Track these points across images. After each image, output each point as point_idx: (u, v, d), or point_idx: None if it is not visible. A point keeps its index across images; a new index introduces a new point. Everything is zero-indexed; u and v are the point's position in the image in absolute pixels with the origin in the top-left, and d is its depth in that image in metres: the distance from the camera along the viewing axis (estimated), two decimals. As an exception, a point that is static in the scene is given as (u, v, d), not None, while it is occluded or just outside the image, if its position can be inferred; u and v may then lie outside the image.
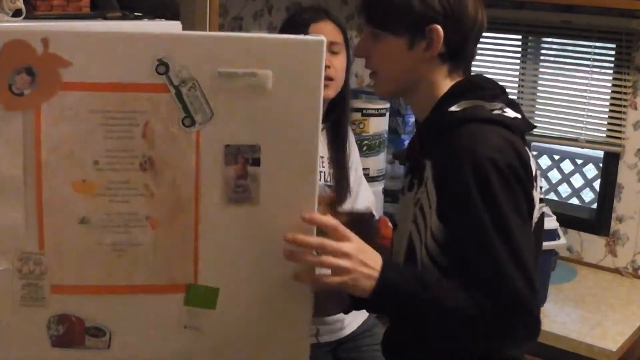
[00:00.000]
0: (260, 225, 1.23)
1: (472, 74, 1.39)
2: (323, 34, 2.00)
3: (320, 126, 1.21)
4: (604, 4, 2.66)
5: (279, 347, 1.31)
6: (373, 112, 2.73)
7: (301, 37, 1.22)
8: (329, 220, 1.22)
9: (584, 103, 2.96)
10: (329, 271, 1.22)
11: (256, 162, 1.21)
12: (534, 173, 1.29)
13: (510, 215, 1.20)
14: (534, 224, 1.30)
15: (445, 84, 1.33)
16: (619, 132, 2.86)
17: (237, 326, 1.28)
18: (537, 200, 1.30)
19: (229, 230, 1.23)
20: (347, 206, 2.14)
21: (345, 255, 1.20)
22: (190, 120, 1.20)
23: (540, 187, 1.34)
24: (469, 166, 1.20)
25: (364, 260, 1.20)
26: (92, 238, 1.22)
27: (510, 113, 1.31)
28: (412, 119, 3.01)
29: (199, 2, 1.87)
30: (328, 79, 2.01)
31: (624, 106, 2.83)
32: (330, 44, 2.01)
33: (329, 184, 2.11)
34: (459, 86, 1.33)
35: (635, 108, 2.82)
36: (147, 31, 1.37)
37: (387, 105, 2.91)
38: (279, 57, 1.18)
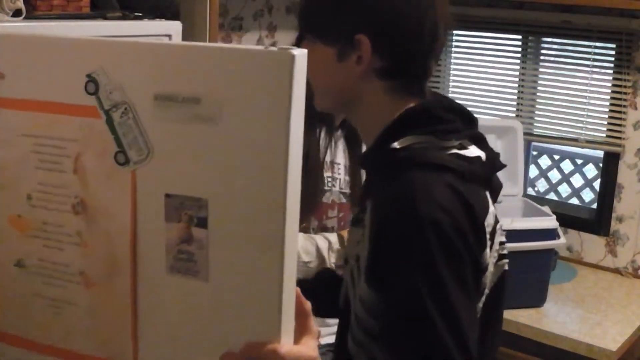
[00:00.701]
0: (209, 307, 0.92)
1: (434, 95, 1.20)
2: None
3: (291, 170, 0.87)
4: (604, 4, 2.66)
5: None
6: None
7: (263, 49, 0.84)
8: (289, 351, 0.87)
9: (584, 103, 2.96)
10: None
11: (203, 223, 0.89)
12: (490, 228, 1.12)
13: (452, 290, 1.02)
14: (486, 292, 1.13)
15: (390, 106, 1.14)
16: (619, 132, 2.86)
17: None
18: (489, 264, 1.12)
19: (172, 306, 0.95)
20: None
21: None
22: (123, 157, 0.92)
23: (501, 243, 1.18)
24: (406, 227, 1.03)
25: None
26: (29, 286, 1.02)
27: (471, 151, 1.13)
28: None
29: (199, 2, 1.87)
30: None
31: (624, 106, 2.83)
32: None
33: (344, 191, 2.09)
34: (408, 115, 1.13)
35: (635, 108, 2.82)
36: (80, 36, 1.08)
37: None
38: (232, 76, 0.85)
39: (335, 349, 1.30)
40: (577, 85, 2.98)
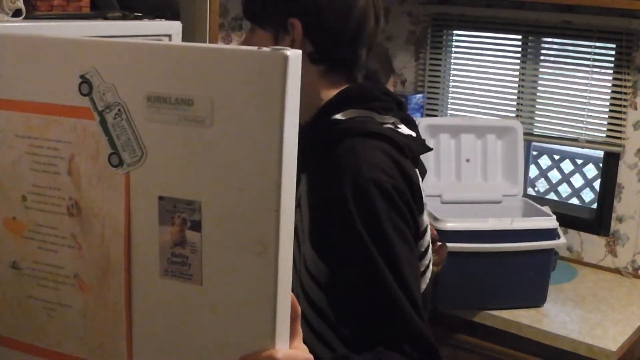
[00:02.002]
0: (203, 312, 0.91)
1: (365, 83, 1.26)
2: None
3: (285, 171, 0.85)
4: (604, 4, 2.66)
5: None
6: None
7: (256, 49, 0.83)
8: (284, 356, 0.85)
9: (584, 103, 2.96)
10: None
11: (196, 226, 0.88)
12: (423, 198, 1.18)
13: (396, 243, 1.08)
14: (421, 250, 1.19)
15: (324, 89, 1.20)
16: (619, 132, 2.86)
17: None
18: (426, 225, 1.19)
19: (166, 309, 0.93)
20: None
21: None
22: (117, 159, 0.91)
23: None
24: (349, 188, 1.07)
25: None
26: (23, 288, 1.02)
27: (403, 130, 1.20)
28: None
29: (199, 2, 1.87)
30: None
31: (624, 106, 2.83)
32: None
33: None
34: (347, 93, 1.20)
35: (635, 108, 2.82)
36: (73, 37, 1.07)
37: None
38: (225, 77, 0.84)
39: None
40: (577, 85, 2.98)
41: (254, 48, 0.82)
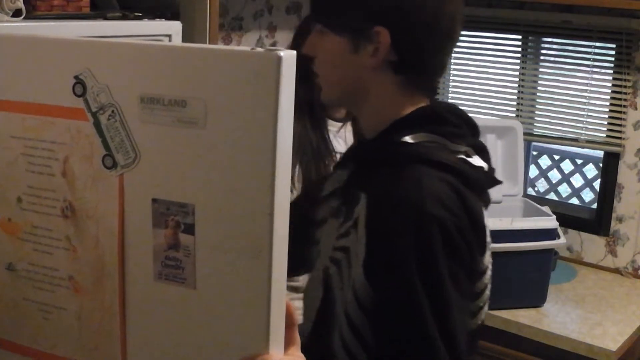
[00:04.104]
0: (197, 316, 0.90)
1: (440, 101, 1.20)
2: None
3: (279, 172, 0.83)
4: (604, 4, 2.66)
5: None
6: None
7: (250, 50, 0.81)
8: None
9: (584, 103, 2.96)
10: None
11: (189, 229, 0.87)
12: (487, 237, 1.12)
13: (448, 289, 1.03)
14: (478, 290, 1.13)
15: (399, 100, 1.13)
16: (619, 132, 2.86)
17: None
18: (487, 265, 1.12)
19: (160, 313, 0.93)
20: None
21: None
22: (111, 161, 0.90)
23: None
24: (410, 224, 1.01)
25: None
26: (19, 290, 1.01)
27: (475, 160, 1.12)
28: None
29: (199, 2, 1.87)
30: None
31: (624, 106, 2.83)
32: None
33: None
34: (419, 114, 1.12)
35: (635, 108, 2.82)
36: (68, 36, 1.05)
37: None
38: (217, 79, 0.82)
39: (309, 344, 1.25)
40: (577, 85, 2.98)
41: (247, 49, 0.81)
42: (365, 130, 1.17)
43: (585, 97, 2.96)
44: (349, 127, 2.15)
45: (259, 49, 0.80)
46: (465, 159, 1.10)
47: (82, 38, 0.98)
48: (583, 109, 2.96)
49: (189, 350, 0.93)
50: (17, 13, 1.57)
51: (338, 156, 2.11)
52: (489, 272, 1.13)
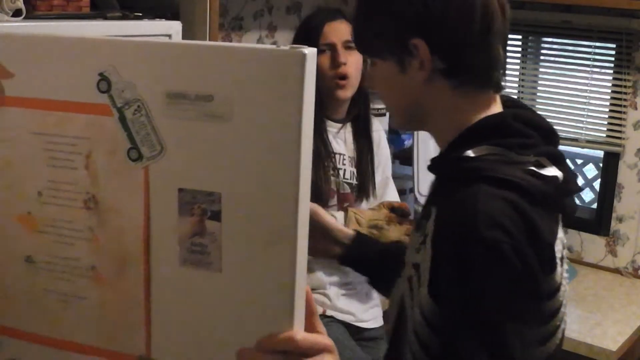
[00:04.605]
0: (222, 298, 0.95)
1: (515, 103, 1.15)
2: (339, 32, 2.01)
3: (303, 165, 0.89)
4: (604, 4, 2.66)
5: None
6: (373, 111, 2.72)
7: (276, 48, 0.88)
8: (295, 337, 0.89)
9: (584, 103, 2.96)
10: None
11: (216, 216, 0.92)
12: (560, 254, 1.06)
13: (506, 316, 0.99)
14: (550, 310, 1.08)
15: (464, 105, 1.10)
16: (619, 132, 2.86)
17: None
18: (558, 284, 1.07)
19: (185, 298, 0.97)
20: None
21: None
22: (136, 153, 0.94)
23: (566, 270, 1.12)
24: (461, 245, 0.98)
25: None
26: (38, 281, 1.04)
27: (548, 171, 1.05)
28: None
29: (199, 2, 1.87)
30: (343, 77, 2.01)
31: (624, 106, 2.83)
32: (347, 42, 2.03)
33: (349, 181, 2.12)
34: (484, 124, 1.08)
35: (635, 108, 2.82)
36: (91, 36, 1.09)
37: (387, 105, 2.91)
38: (245, 74, 0.88)
39: (388, 356, 1.26)
40: (577, 85, 2.98)
41: (273, 46, 0.86)
42: (438, 143, 1.15)
43: (585, 97, 2.96)
44: (348, 128, 2.15)
45: (284, 47, 0.85)
46: (534, 171, 1.04)
47: (106, 37, 1.01)
48: (583, 109, 2.96)
49: (213, 333, 0.96)
50: (17, 13, 1.58)
51: (337, 157, 2.11)
52: (563, 289, 1.08)
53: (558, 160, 1.08)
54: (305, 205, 0.88)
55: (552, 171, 1.05)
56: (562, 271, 1.07)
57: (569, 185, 1.09)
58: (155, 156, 0.93)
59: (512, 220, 0.98)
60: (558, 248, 1.06)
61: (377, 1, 1.12)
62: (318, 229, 1.33)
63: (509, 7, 1.10)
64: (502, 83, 1.11)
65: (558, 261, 1.05)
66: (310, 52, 0.84)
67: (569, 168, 1.11)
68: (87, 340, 1.03)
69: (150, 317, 0.99)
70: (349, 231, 1.38)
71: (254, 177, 0.89)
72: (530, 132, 1.07)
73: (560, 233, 1.09)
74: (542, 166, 1.05)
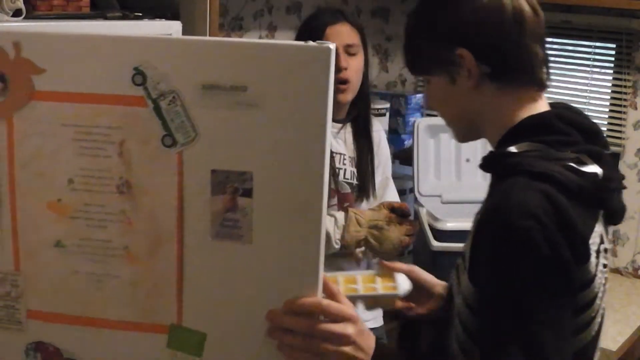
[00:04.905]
0: (252, 268, 1.04)
1: (558, 106, 1.19)
2: (340, 35, 2.01)
3: (331, 138, 1.04)
4: (604, 4, 2.67)
5: None
6: (373, 112, 2.73)
7: (304, 44, 0.99)
8: (322, 303, 1.03)
9: (584, 103, 2.96)
10: None
11: (247, 193, 1.01)
12: (596, 247, 1.09)
13: (535, 303, 1.02)
14: (585, 301, 1.09)
15: (510, 107, 1.15)
16: (619, 132, 2.86)
17: None
18: (593, 274, 1.08)
19: (216, 269, 1.06)
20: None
21: (345, 339, 1.04)
22: (170, 140, 1.03)
23: (604, 265, 1.12)
24: (493, 233, 1.03)
25: (362, 346, 1.06)
26: (67, 264, 1.10)
27: (588, 167, 1.10)
28: (412, 119, 3.00)
29: (199, 2, 1.87)
30: (344, 82, 2.02)
31: (624, 106, 2.84)
32: (348, 46, 2.03)
33: (349, 181, 2.12)
34: (526, 123, 1.14)
35: (635, 108, 2.82)
36: (125, 34, 1.20)
37: (387, 105, 2.91)
38: (276, 67, 0.98)
39: (435, 344, 1.30)
40: (577, 85, 2.98)
41: (302, 42, 0.98)
42: (491, 144, 1.21)
43: (585, 97, 2.96)
44: (348, 128, 2.15)
45: (312, 43, 0.98)
46: (572, 166, 1.08)
47: (140, 35, 1.14)
48: (583, 109, 2.96)
49: (242, 300, 1.06)
50: (17, 13, 1.58)
51: (338, 157, 2.11)
52: (599, 280, 1.10)
53: (600, 158, 1.12)
54: (327, 178, 1.00)
55: (592, 168, 1.09)
56: (597, 263, 1.09)
57: (609, 183, 1.13)
58: (189, 142, 1.03)
59: (545, 210, 1.02)
60: (594, 241, 1.09)
61: (419, 25, 1.20)
62: None
63: (540, 8, 1.16)
64: (547, 81, 1.17)
65: (593, 252, 1.07)
66: (333, 46, 0.97)
67: (615, 168, 1.15)
68: (118, 316, 1.11)
69: (182, 289, 1.07)
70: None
71: (283, 156, 1.00)
72: (571, 131, 1.13)
73: (599, 227, 1.12)
74: (583, 163, 1.10)
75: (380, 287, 1.34)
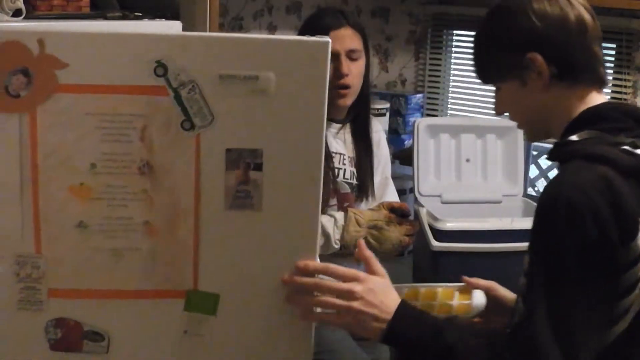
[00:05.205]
0: (262, 232, 1.21)
1: (612, 102, 1.28)
2: (343, 41, 2.01)
3: (325, 129, 1.19)
4: (604, 4, 2.66)
5: (280, 356, 1.29)
6: (373, 112, 2.73)
7: (305, 38, 1.17)
8: (329, 266, 1.20)
9: (584, 103, 2.96)
10: None
11: (258, 167, 1.19)
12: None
13: (571, 279, 1.08)
14: (633, 280, 1.11)
15: (574, 103, 1.24)
16: (619, 132, 2.86)
17: (238, 333, 1.26)
18: (638, 258, 1.11)
19: (229, 236, 1.22)
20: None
21: (351, 295, 1.17)
22: (189, 124, 1.17)
23: None
24: (543, 204, 1.11)
25: (373, 302, 1.16)
26: (89, 242, 1.21)
27: None
28: (412, 119, 3.01)
29: (199, 2, 1.87)
30: (345, 87, 2.02)
31: (624, 106, 2.83)
32: (350, 52, 2.03)
33: (349, 181, 2.12)
34: (584, 115, 1.23)
35: (636, 108, 2.82)
36: (146, 32, 1.37)
37: (387, 105, 2.91)
38: (282, 59, 1.16)
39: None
40: (577, 85, 2.97)
41: (304, 37, 1.17)
42: (555, 138, 1.29)
43: (585, 97, 2.95)
44: (348, 129, 2.15)
45: (312, 38, 1.16)
46: (627, 149, 1.16)
47: (161, 33, 1.30)
48: (583, 109, 2.96)
49: (253, 263, 1.23)
50: (17, 13, 1.58)
51: (337, 157, 2.12)
52: None
53: None
54: (323, 155, 1.19)
55: None
56: None
57: None
58: (207, 125, 1.18)
59: (597, 189, 1.08)
60: None
61: (490, 35, 1.31)
62: None
63: (594, 13, 1.27)
64: (605, 79, 1.27)
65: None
66: (329, 39, 1.15)
67: None
68: (138, 286, 1.23)
69: (198, 256, 1.22)
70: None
71: (289, 135, 1.18)
72: (626, 119, 1.21)
73: None
74: (637, 147, 1.17)
75: (456, 304, 1.37)
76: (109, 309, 1.24)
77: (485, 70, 1.34)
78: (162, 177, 1.19)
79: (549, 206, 1.10)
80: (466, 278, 1.38)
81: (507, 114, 1.33)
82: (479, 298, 1.37)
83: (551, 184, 1.14)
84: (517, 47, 1.24)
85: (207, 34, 1.34)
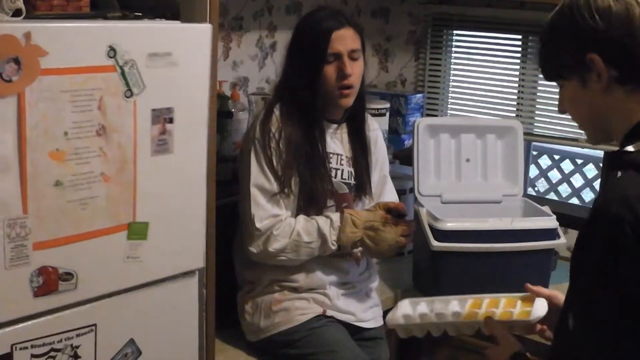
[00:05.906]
0: (176, 170, 1.71)
1: None
2: (345, 41, 2.04)
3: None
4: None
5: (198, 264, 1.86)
6: (373, 112, 2.73)
7: (194, 25, 1.77)
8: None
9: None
10: None
11: (171, 121, 1.68)
12: None
13: (606, 299, 1.12)
14: None
15: (634, 108, 1.23)
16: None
17: (162, 253, 1.71)
18: None
19: (156, 176, 1.67)
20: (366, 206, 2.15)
21: None
22: (130, 93, 1.60)
23: None
24: (593, 214, 1.14)
25: None
26: (64, 197, 1.52)
27: None
28: (412, 119, 3.00)
29: (199, 2, 1.88)
30: (349, 87, 2.02)
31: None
32: (352, 52, 2.03)
33: (347, 181, 2.12)
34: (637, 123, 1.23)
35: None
36: (101, 24, 1.67)
37: (387, 105, 2.91)
38: (185, 40, 1.70)
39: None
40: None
41: (194, 24, 1.82)
42: (617, 141, 1.29)
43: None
44: (344, 128, 2.15)
45: (196, 24, 1.77)
46: None
47: (112, 23, 1.64)
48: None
49: (171, 194, 1.73)
50: (17, 13, 1.58)
51: (335, 157, 2.11)
52: None
53: None
54: (210, 108, 1.83)
55: None
56: None
57: None
58: (140, 92, 1.62)
59: None
60: None
61: (554, 34, 1.29)
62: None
63: None
64: None
65: None
66: (210, 25, 1.75)
67: None
68: (98, 226, 1.60)
69: (135, 194, 1.65)
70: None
71: (191, 94, 1.72)
72: None
73: None
74: None
75: (517, 312, 1.41)
76: (77, 250, 1.56)
77: (546, 66, 1.34)
78: (113, 135, 1.58)
79: (593, 217, 1.12)
80: (529, 286, 1.43)
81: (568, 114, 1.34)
82: (539, 306, 1.39)
83: (600, 194, 1.18)
84: (577, 47, 1.23)
85: (141, 23, 1.70)
